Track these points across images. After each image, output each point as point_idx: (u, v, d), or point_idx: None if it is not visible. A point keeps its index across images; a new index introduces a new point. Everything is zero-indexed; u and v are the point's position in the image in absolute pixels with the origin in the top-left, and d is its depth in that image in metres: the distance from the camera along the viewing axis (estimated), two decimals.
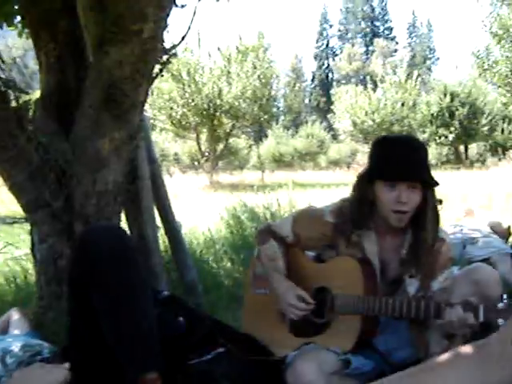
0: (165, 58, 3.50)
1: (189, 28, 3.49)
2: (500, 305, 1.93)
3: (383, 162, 2.35)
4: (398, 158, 2.29)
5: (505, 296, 1.98)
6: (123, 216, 3.60)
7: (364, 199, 2.39)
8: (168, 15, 3.22)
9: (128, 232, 3.75)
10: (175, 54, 3.49)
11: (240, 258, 5.06)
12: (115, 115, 3.01)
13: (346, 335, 2.30)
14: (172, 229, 3.91)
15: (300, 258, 2.60)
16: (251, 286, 2.76)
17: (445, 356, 1.24)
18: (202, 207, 10.37)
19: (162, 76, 3.41)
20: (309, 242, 2.54)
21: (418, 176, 2.30)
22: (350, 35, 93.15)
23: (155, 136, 34.77)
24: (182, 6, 3.53)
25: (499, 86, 17.57)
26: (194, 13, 3.45)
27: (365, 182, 2.39)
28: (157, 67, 3.45)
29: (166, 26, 3.32)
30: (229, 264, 4.99)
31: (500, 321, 1.89)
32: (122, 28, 2.84)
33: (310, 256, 2.64)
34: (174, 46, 3.45)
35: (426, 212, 2.34)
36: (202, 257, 5.02)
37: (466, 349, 1.19)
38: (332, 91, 59.49)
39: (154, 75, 3.37)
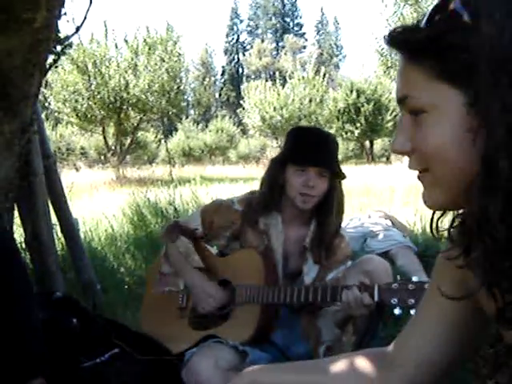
0: (59, 48, 3.37)
1: (84, 18, 3.37)
2: (394, 285, 2.01)
3: (296, 147, 2.46)
4: (309, 145, 2.41)
5: (398, 277, 2.09)
6: (16, 213, 3.45)
7: (275, 182, 2.46)
8: (63, 4, 3.09)
9: (21, 230, 3.60)
10: (70, 45, 3.36)
11: (142, 254, 4.97)
12: (5, 107, 2.88)
13: (244, 326, 2.33)
14: (68, 226, 3.77)
15: (204, 253, 2.62)
16: (157, 285, 2.72)
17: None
18: (106, 203, 10.13)
19: (57, 67, 3.27)
20: (217, 231, 2.56)
21: (327, 164, 2.40)
22: (260, 31, 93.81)
23: (61, 129, 33.87)
24: None
25: None
26: (91, 2, 3.32)
27: (277, 166, 2.47)
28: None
29: (61, 15, 3.18)
30: (130, 261, 4.89)
31: (410, 301, 1.95)
32: (12, 16, 2.70)
33: (212, 251, 2.68)
34: (68, 37, 3.32)
35: (331, 202, 2.45)
36: (102, 254, 4.89)
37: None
38: (242, 86, 59.86)
39: (48, 66, 3.23)
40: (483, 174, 0.76)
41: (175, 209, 6.16)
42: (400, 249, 4.95)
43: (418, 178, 0.89)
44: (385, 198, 9.19)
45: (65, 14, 3.38)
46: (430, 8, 0.82)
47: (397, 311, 1.98)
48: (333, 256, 2.49)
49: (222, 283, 2.50)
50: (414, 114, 0.85)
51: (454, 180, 0.82)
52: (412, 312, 1.90)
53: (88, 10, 3.52)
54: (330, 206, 2.45)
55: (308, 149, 2.40)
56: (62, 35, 3.56)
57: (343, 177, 2.48)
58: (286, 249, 2.49)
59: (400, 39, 0.85)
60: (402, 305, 1.97)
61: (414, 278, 2.02)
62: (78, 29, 3.47)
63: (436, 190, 0.86)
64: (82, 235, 5.13)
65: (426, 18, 0.82)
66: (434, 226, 0.94)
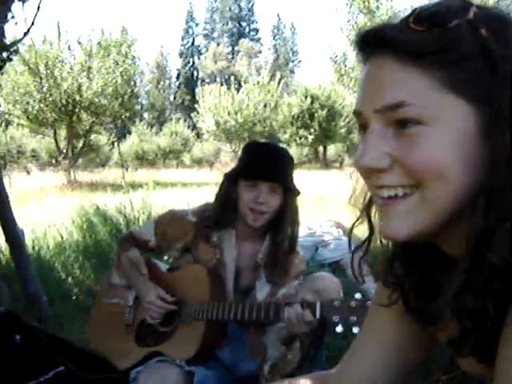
0: (5, 54, 3.27)
1: (32, 24, 3.28)
2: (336, 302, 1.99)
3: (247, 162, 2.43)
4: (261, 160, 2.39)
5: (341, 294, 2.13)
6: None
7: (228, 198, 2.44)
8: (9, 9, 3.01)
9: None
10: (16, 51, 3.26)
11: (91, 264, 4.87)
12: None
13: (189, 343, 2.29)
14: (13, 236, 3.65)
15: (154, 269, 2.59)
16: (104, 296, 2.69)
17: None
18: (56, 209, 9.93)
19: (2, 74, 3.18)
20: (170, 242, 2.53)
21: (279, 179, 2.37)
22: (216, 34, 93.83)
23: (12, 131, 33.13)
24: (24, 1, 3.32)
25: (355, 91, 18.33)
26: (38, 9, 3.24)
27: (230, 181, 2.45)
28: None
29: (7, 21, 3.10)
30: (78, 271, 4.78)
31: (352, 318, 1.93)
32: None
33: (162, 267, 2.65)
34: (14, 43, 3.23)
35: (284, 218, 2.41)
36: (49, 264, 4.78)
37: None
38: (197, 89, 59.64)
39: None
40: (486, 199, 0.71)
41: (125, 216, 6.07)
42: (350, 259, 4.98)
43: (384, 202, 0.78)
44: (337, 206, 9.23)
45: (12, 17, 3.29)
46: (439, 8, 0.75)
47: (339, 329, 1.96)
48: (286, 273, 2.47)
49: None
50: (399, 125, 0.75)
51: (448, 201, 0.74)
52: (354, 330, 1.90)
53: (35, 16, 3.43)
54: (282, 222, 2.42)
55: (259, 163, 2.37)
56: (8, 40, 3.46)
57: (297, 193, 2.45)
58: (238, 264, 2.46)
59: (398, 39, 0.75)
60: (343, 322, 1.95)
61: (357, 295, 2.01)
62: (25, 34, 3.39)
63: (418, 215, 0.75)
64: (30, 243, 5.03)
65: (432, 19, 0.74)
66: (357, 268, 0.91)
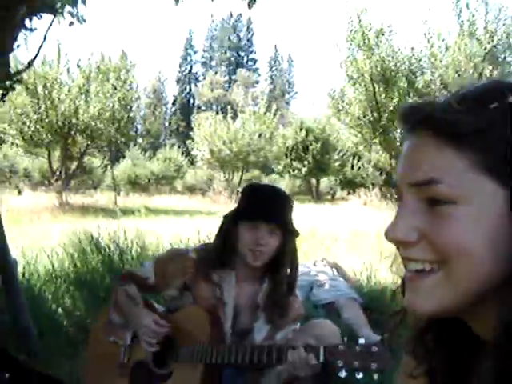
0: (8, 83, 3.25)
1: (37, 54, 3.26)
2: (340, 347, 1.96)
3: (247, 203, 2.47)
4: (261, 201, 2.42)
5: (345, 339, 2.08)
6: None
7: (228, 239, 2.45)
8: (15, 38, 2.99)
9: None
10: (20, 81, 3.24)
11: (82, 295, 4.79)
12: None
13: None
14: (6, 267, 3.58)
15: (151, 309, 2.55)
16: (102, 332, 2.64)
17: None
18: (47, 233, 9.84)
19: (4, 102, 3.15)
20: (170, 280, 2.51)
21: (279, 220, 2.39)
22: (214, 63, 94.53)
23: (5, 150, 33.01)
24: (31, 30, 3.30)
25: (351, 127, 18.44)
26: (44, 39, 3.22)
27: (229, 223, 2.47)
28: None
29: (13, 50, 3.08)
30: (69, 302, 4.70)
31: (356, 364, 1.90)
32: None
33: (160, 309, 2.62)
34: (18, 72, 3.21)
35: (283, 260, 2.44)
36: (40, 294, 4.69)
37: None
38: (192, 117, 59.79)
39: None
40: None
41: (118, 245, 5.99)
42: (346, 301, 4.93)
43: (412, 275, 0.77)
44: (330, 243, 9.21)
45: (18, 46, 3.28)
46: (477, 90, 0.75)
47: (342, 374, 1.94)
48: (285, 315, 2.47)
49: (166, 341, 2.42)
50: (431, 202, 0.75)
51: (474, 282, 0.72)
52: (358, 375, 1.89)
53: (41, 45, 3.42)
54: (281, 263, 2.45)
55: (259, 205, 2.39)
56: (12, 69, 3.44)
57: (296, 234, 2.46)
58: (237, 304, 2.46)
59: (437, 117, 0.74)
60: (347, 367, 1.93)
61: (361, 341, 1.98)
62: (29, 64, 3.37)
63: (443, 292, 0.74)
64: (20, 269, 4.94)
65: (472, 100, 0.74)
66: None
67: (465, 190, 0.72)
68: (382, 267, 6.98)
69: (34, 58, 3.31)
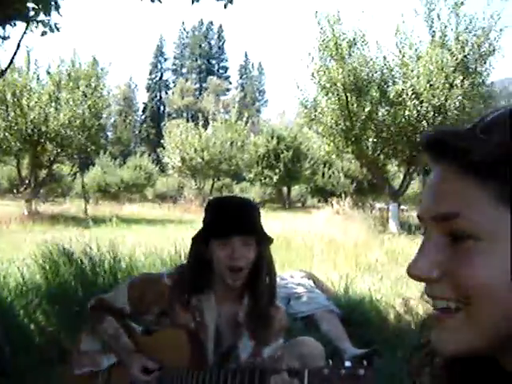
0: None
1: (10, 63, 3.16)
2: (325, 370, 1.89)
3: (215, 220, 2.36)
4: (229, 214, 2.31)
5: (330, 362, 1.96)
6: None
7: (201, 260, 2.35)
8: None
9: None
10: None
11: (55, 310, 4.67)
12: None
13: None
14: None
15: (129, 331, 2.45)
16: (74, 367, 2.51)
17: None
18: (17, 244, 9.64)
19: None
20: (146, 306, 2.40)
21: (250, 230, 2.31)
22: (184, 70, 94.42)
23: None
24: (5, 38, 3.21)
25: (323, 136, 18.45)
26: (18, 47, 3.12)
27: (200, 243, 2.36)
28: None
29: None
30: (41, 317, 4.57)
31: None
32: None
33: (138, 329, 2.51)
34: None
35: (261, 271, 2.35)
36: (11, 308, 4.55)
37: None
38: (163, 124, 59.54)
39: None
40: None
41: (90, 258, 5.86)
42: (324, 313, 4.89)
43: (437, 314, 0.74)
44: (304, 252, 9.18)
45: None
46: (500, 117, 0.71)
47: None
48: (269, 329, 2.40)
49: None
50: (453, 236, 0.71)
51: (497, 323, 0.68)
52: None
53: (15, 54, 3.32)
54: (260, 276, 2.36)
55: (228, 219, 2.31)
56: None
57: (270, 241, 2.40)
58: (219, 325, 2.37)
59: (458, 147, 0.71)
60: None
61: (347, 363, 1.92)
62: (2, 73, 3.26)
63: (468, 332, 0.70)
64: None
65: (494, 128, 0.70)
66: None
67: (487, 225, 0.67)
68: (358, 278, 6.99)
69: (7, 67, 3.21)
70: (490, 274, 0.67)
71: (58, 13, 4.32)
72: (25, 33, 3.44)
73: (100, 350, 2.42)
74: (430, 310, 0.82)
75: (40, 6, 4.02)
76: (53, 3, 4.27)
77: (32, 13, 3.83)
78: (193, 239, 2.41)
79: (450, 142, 0.72)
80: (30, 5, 3.89)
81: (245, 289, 2.39)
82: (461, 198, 0.69)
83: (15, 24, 3.52)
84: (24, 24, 3.65)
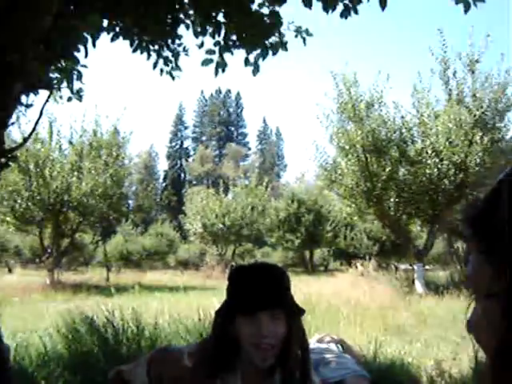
0: (3, 160, 3.14)
1: (32, 130, 3.17)
2: None
3: (240, 293, 2.12)
4: (255, 287, 2.08)
5: None
6: None
7: (225, 338, 2.12)
8: (10, 115, 2.90)
9: None
10: (14, 157, 3.13)
11: (77, 379, 4.55)
12: None
13: None
14: None
15: None
16: None
17: None
18: (39, 313, 9.57)
19: None
20: None
21: (279, 303, 2.08)
22: (204, 138, 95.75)
23: None
24: (28, 106, 3.23)
25: (344, 197, 18.42)
26: (40, 115, 3.14)
27: (224, 319, 2.15)
28: None
29: (8, 126, 2.98)
30: None
31: None
32: None
33: None
34: (13, 149, 3.10)
35: (292, 346, 2.12)
36: (32, 379, 4.45)
37: None
38: (184, 191, 60.03)
39: None
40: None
41: (113, 327, 5.76)
42: (355, 378, 4.67)
43: None
44: (330, 316, 9.01)
45: (12, 123, 3.19)
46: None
47: None
48: None
49: None
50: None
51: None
52: None
53: (37, 122, 3.34)
54: (292, 351, 2.12)
55: (254, 291, 2.08)
56: (7, 145, 3.34)
57: (302, 312, 2.21)
58: None
59: (473, 222, 0.80)
60: None
61: None
62: (24, 141, 3.27)
63: None
64: (11, 351, 4.70)
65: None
66: None
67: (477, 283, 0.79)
68: (387, 341, 6.80)
69: (30, 135, 3.22)
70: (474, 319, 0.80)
71: (81, 81, 4.40)
72: (47, 101, 3.47)
73: None
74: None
75: (63, 75, 4.10)
76: (75, 72, 4.36)
77: (55, 81, 3.89)
78: (216, 313, 2.19)
79: (469, 216, 0.80)
80: (53, 73, 3.97)
81: (276, 365, 2.24)
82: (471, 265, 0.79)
83: (38, 92, 3.57)
84: (46, 92, 3.70)
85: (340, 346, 5.56)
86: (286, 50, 4.75)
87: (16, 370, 4.42)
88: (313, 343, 5.51)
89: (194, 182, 79.41)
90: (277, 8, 4.54)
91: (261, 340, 2.03)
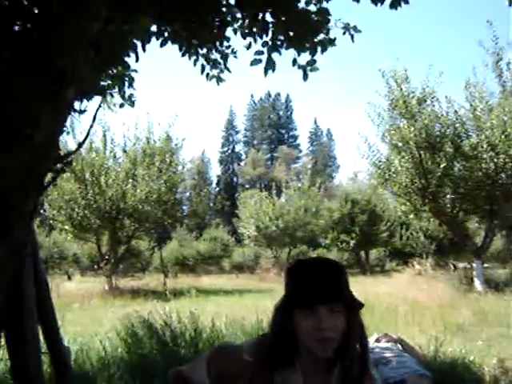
0: (59, 165, 3.20)
1: (87, 135, 3.22)
2: None
3: (299, 287, 2.10)
4: (313, 280, 2.07)
5: None
6: (2, 341, 3.15)
7: (284, 333, 2.11)
8: (65, 120, 2.94)
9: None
10: (70, 163, 3.18)
11: (136, 382, 4.60)
12: None
13: None
14: (59, 355, 3.43)
15: None
16: None
17: None
18: (98, 318, 9.74)
19: (55, 185, 3.08)
20: (227, 382, 2.16)
21: (338, 296, 2.06)
22: (255, 141, 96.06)
23: (55, 235, 33.63)
24: (81, 112, 3.28)
25: (399, 195, 18.16)
26: (94, 119, 3.18)
27: (282, 314, 2.13)
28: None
29: (63, 132, 3.02)
30: None
31: None
32: (11, 131, 2.52)
33: None
34: (69, 154, 3.15)
35: (352, 339, 2.10)
36: (93, 381, 4.52)
37: None
38: (237, 195, 60.30)
39: (45, 184, 3.04)
40: None
41: (171, 330, 5.80)
42: (416, 378, 4.57)
43: None
44: (388, 315, 8.87)
45: (67, 131, 3.24)
46: None
47: None
48: None
49: None
50: None
51: None
52: None
53: (91, 127, 3.38)
54: (351, 344, 2.10)
55: (312, 285, 2.07)
56: (62, 152, 3.39)
57: (360, 306, 2.15)
58: None
59: None
60: None
61: None
62: (79, 145, 3.32)
63: None
64: (72, 356, 4.79)
65: None
66: None
67: None
68: (447, 340, 6.65)
69: (84, 140, 3.27)
70: None
71: (132, 87, 4.45)
72: (99, 106, 3.51)
73: None
74: None
75: (114, 81, 4.16)
76: (126, 78, 4.41)
77: (106, 87, 3.95)
78: (275, 308, 2.19)
79: None
80: (105, 80, 4.03)
81: (335, 360, 2.17)
82: None
83: (91, 98, 3.62)
84: (99, 99, 3.76)
85: (399, 345, 5.47)
86: (335, 45, 4.69)
87: (77, 373, 4.49)
88: (371, 343, 5.44)
89: (247, 186, 79.67)
90: (324, 4, 4.50)
91: (320, 333, 2.01)
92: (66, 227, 22.23)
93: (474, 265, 17.21)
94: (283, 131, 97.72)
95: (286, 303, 2.14)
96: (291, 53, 4.76)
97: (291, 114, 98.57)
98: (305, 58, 4.72)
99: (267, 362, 2.13)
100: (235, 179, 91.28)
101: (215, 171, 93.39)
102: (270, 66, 4.62)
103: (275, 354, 2.13)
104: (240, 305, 10.94)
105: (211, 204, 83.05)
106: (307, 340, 2.05)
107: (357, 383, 2.14)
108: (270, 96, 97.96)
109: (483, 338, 7.17)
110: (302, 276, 2.14)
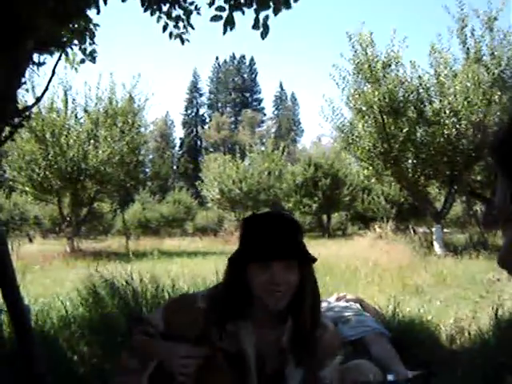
0: (17, 120, 3.12)
1: (45, 89, 3.14)
2: None
3: (255, 242, 2.12)
4: (271, 236, 2.08)
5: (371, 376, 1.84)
6: None
7: (237, 285, 2.14)
8: (23, 74, 2.86)
9: None
10: (29, 117, 3.10)
11: (99, 340, 4.59)
12: None
13: None
14: (18, 314, 3.39)
15: None
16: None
17: None
18: (59, 279, 9.67)
19: (13, 140, 3.02)
20: (179, 330, 2.20)
21: (293, 253, 2.10)
22: (219, 104, 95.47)
23: (15, 198, 33.16)
24: (40, 64, 3.19)
25: (362, 160, 18.28)
26: (53, 73, 3.10)
27: (237, 266, 2.16)
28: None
29: (20, 86, 2.95)
30: (85, 348, 4.50)
31: None
32: None
33: None
34: (27, 108, 3.07)
35: (304, 293, 2.15)
36: (54, 340, 4.50)
37: None
38: (200, 159, 60.16)
39: (3, 138, 2.97)
40: None
41: (133, 289, 5.79)
42: (374, 336, 4.70)
43: None
44: (349, 277, 9.01)
45: (24, 83, 3.16)
46: None
47: None
48: (317, 353, 2.20)
49: None
50: None
51: None
52: None
53: (50, 81, 3.30)
54: (303, 298, 2.15)
55: (268, 240, 2.08)
56: (20, 106, 3.31)
57: (314, 260, 2.18)
58: (260, 354, 2.17)
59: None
60: None
61: (389, 377, 1.78)
62: (38, 100, 3.24)
63: None
64: (33, 317, 4.76)
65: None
66: None
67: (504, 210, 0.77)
68: (406, 300, 6.79)
69: (44, 93, 3.19)
70: None
71: (93, 41, 4.34)
72: (60, 58, 3.42)
73: (139, 369, 2.28)
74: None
75: (75, 34, 4.05)
76: (87, 33, 4.30)
77: (67, 40, 3.85)
78: (229, 260, 2.22)
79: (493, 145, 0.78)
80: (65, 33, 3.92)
81: (287, 312, 2.19)
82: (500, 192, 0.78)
83: (52, 52, 3.52)
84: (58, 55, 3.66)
85: (359, 305, 5.58)
86: (290, 7, 4.57)
87: (38, 332, 4.46)
88: (332, 302, 5.54)
89: (211, 149, 79.33)
90: None
91: (274, 287, 2.05)
92: (27, 188, 21.91)
93: (434, 229, 17.51)
94: (247, 94, 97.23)
95: (240, 256, 2.16)
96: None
97: (255, 77, 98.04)
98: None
99: (220, 312, 2.15)
100: (199, 142, 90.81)
101: (179, 134, 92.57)
102: (230, 24, 4.50)
103: (228, 304, 2.15)
104: (203, 266, 10.95)
105: (174, 167, 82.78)
106: (260, 293, 2.09)
107: (308, 335, 2.18)
108: (234, 58, 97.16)
109: (441, 299, 7.34)
110: (259, 230, 2.15)
